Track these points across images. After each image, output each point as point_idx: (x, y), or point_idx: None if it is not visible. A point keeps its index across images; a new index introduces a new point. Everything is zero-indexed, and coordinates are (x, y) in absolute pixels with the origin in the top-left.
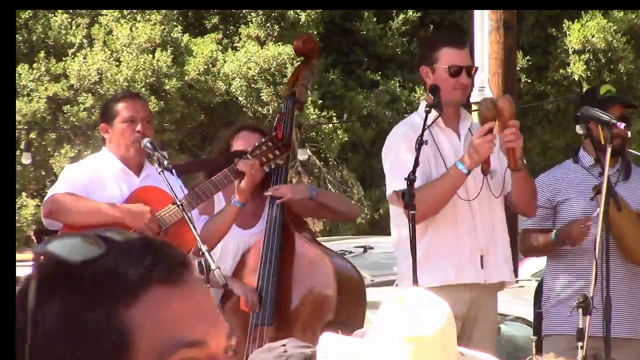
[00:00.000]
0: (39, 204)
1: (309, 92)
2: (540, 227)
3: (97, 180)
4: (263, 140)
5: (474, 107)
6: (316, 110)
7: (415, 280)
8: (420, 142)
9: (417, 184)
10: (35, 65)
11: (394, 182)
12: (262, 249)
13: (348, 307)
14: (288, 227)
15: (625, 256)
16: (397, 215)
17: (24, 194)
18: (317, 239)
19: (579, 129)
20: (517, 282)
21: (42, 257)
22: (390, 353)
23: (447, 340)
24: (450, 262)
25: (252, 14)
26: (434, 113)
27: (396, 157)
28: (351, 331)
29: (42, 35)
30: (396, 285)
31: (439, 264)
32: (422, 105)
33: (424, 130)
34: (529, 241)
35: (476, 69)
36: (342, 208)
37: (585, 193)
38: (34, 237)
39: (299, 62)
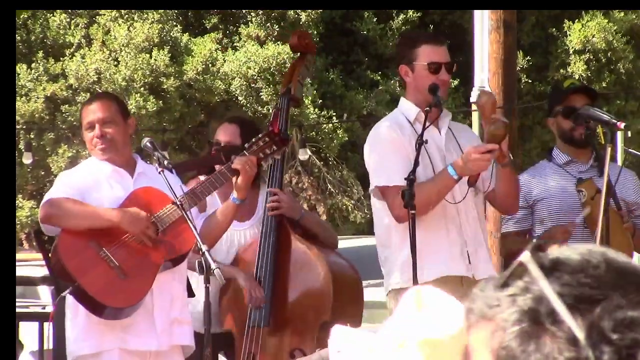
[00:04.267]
0: (34, 205)
1: (305, 89)
2: (520, 228)
3: (91, 183)
4: (259, 135)
5: (474, 107)
6: (316, 110)
7: (414, 277)
8: (420, 142)
9: (403, 181)
10: (33, 65)
11: (375, 179)
12: (258, 249)
13: (345, 307)
14: (284, 226)
15: None
16: (379, 209)
17: (19, 195)
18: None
19: (551, 124)
20: None
21: None
22: (405, 354)
23: (463, 344)
24: (442, 255)
25: (252, 13)
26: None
27: (381, 153)
28: None
29: (41, 35)
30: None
31: (432, 259)
32: (402, 103)
33: (423, 129)
34: (511, 245)
35: (456, 65)
36: (322, 235)
37: (561, 190)
38: (33, 237)
39: (295, 59)
